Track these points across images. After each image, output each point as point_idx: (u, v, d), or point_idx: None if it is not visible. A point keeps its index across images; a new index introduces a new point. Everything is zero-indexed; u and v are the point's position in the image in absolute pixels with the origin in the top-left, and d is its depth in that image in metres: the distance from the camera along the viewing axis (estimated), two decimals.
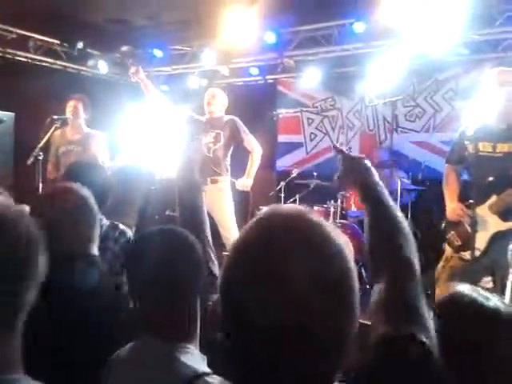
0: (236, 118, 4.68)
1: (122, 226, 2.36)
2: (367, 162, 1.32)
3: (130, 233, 2.37)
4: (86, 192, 1.73)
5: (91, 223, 1.69)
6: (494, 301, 1.33)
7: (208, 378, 1.17)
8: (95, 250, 1.71)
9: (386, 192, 1.26)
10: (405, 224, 1.19)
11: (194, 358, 1.26)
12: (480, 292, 1.35)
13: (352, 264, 0.76)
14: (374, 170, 1.32)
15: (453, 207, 3.00)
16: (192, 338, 1.32)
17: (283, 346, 0.69)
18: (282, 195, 5.81)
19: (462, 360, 1.29)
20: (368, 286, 4.87)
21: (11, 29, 6.06)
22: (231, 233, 4.42)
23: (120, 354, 1.34)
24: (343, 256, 0.75)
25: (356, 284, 0.76)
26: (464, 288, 1.37)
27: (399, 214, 1.21)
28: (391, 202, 1.23)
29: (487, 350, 1.29)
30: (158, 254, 1.32)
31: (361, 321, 0.77)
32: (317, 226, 0.75)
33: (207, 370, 1.23)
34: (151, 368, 1.24)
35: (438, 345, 1.36)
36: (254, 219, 0.78)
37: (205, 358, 1.29)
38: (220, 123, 4.64)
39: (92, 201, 1.71)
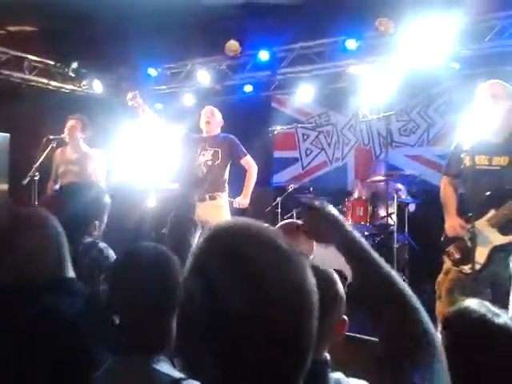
0: (233, 136, 4.73)
1: (101, 245, 2.36)
2: (337, 215, 1.22)
3: (109, 251, 2.37)
4: (46, 213, 1.67)
5: (59, 245, 1.62)
6: (503, 317, 1.33)
7: (185, 382, 1.23)
8: (70, 272, 1.65)
9: (364, 241, 1.20)
10: (392, 271, 1.17)
11: (168, 367, 1.32)
12: (489, 308, 1.34)
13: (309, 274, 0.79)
14: (342, 218, 1.23)
15: (451, 223, 3.01)
16: (164, 350, 1.37)
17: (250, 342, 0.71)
18: (279, 211, 5.81)
19: (469, 372, 1.29)
20: None
21: (5, 50, 6.09)
22: None
23: (99, 373, 1.37)
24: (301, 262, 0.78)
25: (313, 291, 0.78)
26: (473, 303, 1.37)
27: (383, 263, 1.18)
28: (373, 252, 1.19)
29: (494, 366, 1.28)
30: (136, 273, 1.38)
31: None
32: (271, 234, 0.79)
33: (182, 375, 1.28)
34: (129, 381, 1.30)
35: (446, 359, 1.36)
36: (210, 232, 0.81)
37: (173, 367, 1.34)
38: (217, 141, 4.68)
39: (55, 222, 1.65)
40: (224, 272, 0.73)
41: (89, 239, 2.32)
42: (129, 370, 1.32)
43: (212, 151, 4.63)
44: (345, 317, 1.43)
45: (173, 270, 1.41)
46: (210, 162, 4.60)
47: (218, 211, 4.51)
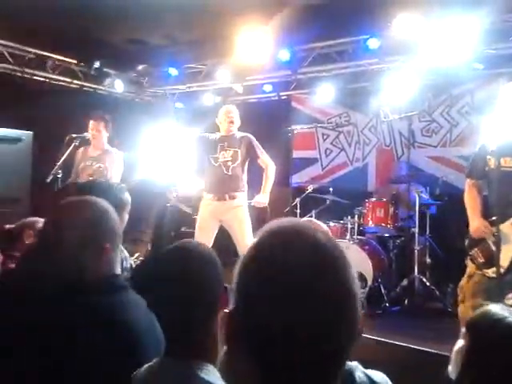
0: (250, 135, 4.71)
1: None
2: None
3: (124, 253, 2.33)
4: (105, 204, 1.59)
5: (112, 238, 1.57)
6: None
7: None
8: (118, 269, 1.63)
9: None
10: None
11: (214, 376, 1.24)
12: (510, 310, 1.35)
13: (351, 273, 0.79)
14: None
15: (477, 225, 2.95)
16: (211, 358, 1.29)
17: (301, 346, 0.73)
18: (298, 211, 5.79)
19: (493, 375, 1.28)
20: (387, 304, 4.80)
21: (29, 49, 6.19)
22: None
23: (138, 373, 1.32)
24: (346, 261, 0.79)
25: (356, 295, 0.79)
26: (494, 307, 1.37)
27: None
28: None
29: None
30: (175, 273, 1.31)
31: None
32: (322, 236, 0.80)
33: None
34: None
35: (466, 360, 1.36)
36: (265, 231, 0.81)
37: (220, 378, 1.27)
38: (235, 141, 4.67)
39: (113, 213, 1.59)
40: (271, 281, 0.74)
41: None
42: (171, 372, 1.26)
43: (231, 151, 4.62)
44: None
45: (208, 270, 1.35)
46: (230, 163, 4.59)
47: (238, 211, 4.52)
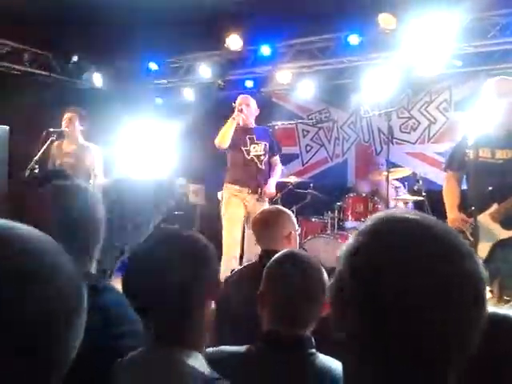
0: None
1: None
2: None
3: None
4: (84, 186, 1.43)
5: (90, 229, 1.39)
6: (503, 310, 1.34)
7: (220, 382, 1.17)
8: (92, 267, 1.45)
9: None
10: None
11: (201, 363, 1.24)
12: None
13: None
14: None
15: (453, 218, 2.99)
16: (197, 346, 1.28)
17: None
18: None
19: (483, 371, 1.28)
20: None
21: (5, 42, 6.06)
22: None
23: (123, 361, 1.30)
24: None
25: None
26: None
27: None
28: None
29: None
30: (161, 262, 1.27)
31: None
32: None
33: (216, 375, 1.22)
34: (159, 373, 1.22)
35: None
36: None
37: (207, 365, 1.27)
38: (262, 133, 4.64)
39: (96, 199, 1.43)
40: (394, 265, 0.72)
41: None
42: (158, 360, 1.25)
43: (263, 145, 4.56)
44: None
45: (196, 257, 1.31)
46: (262, 157, 4.55)
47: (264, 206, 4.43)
